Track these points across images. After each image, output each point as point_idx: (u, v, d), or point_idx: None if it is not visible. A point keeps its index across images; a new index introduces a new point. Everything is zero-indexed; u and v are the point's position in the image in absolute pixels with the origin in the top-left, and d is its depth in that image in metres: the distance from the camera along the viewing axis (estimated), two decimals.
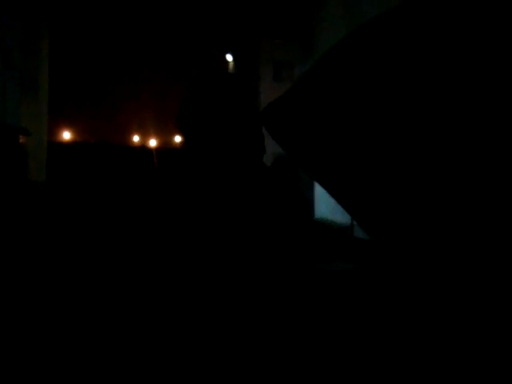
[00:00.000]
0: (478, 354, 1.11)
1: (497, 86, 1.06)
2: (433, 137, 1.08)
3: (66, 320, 4.86)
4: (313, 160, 1.14)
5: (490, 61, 1.08)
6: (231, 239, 1.43)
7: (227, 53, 29.77)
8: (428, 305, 1.15)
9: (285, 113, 1.16)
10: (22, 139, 23.36)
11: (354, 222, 12.54)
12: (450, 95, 1.08)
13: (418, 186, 1.09)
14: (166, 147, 32.48)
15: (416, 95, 1.11)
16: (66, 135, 33.32)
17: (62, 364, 3.88)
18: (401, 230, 1.11)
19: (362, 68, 1.12)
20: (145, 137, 34.94)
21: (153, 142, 34.33)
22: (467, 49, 1.09)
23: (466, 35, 1.10)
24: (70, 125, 33.64)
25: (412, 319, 1.21)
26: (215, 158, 1.47)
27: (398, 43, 1.14)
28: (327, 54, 1.16)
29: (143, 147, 33.65)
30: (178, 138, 33.65)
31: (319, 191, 14.91)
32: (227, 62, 29.70)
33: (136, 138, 35.12)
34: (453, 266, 1.09)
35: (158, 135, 34.45)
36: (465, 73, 1.08)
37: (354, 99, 1.11)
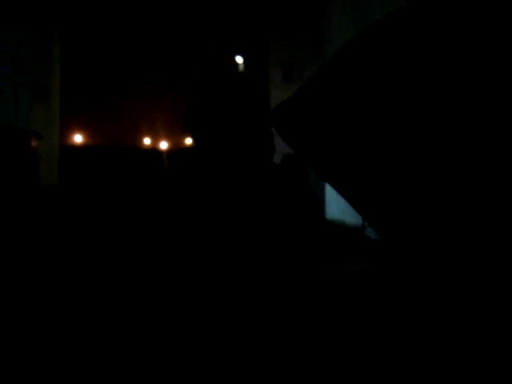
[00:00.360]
0: (481, 354, 1.11)
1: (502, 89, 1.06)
2: (443, 138, 1.08)
3: (73, 319, 4.89)
4: (322, 160, 1.15)
5: (497, 64, 1.08)
6: (241, 239, 1.43)
7: (237, 55, 29.81)
8: (438, 306, 1.15)
9: (294, 113, 1.16)
10: (33, 143, 23.54)
11: (366, 223, 12.47)
12: (461, 94, 1.08)
13: (430, 189, 1.09)
14: (176, 149, 32.44)
15: (426, 94, 1.11)
16: (78, 138, 33.51)
17: (63, 363, 3.91)
18: (411, 231, 1.11)
19: (371, 68, 1.13)
20: (156, 139, 35.05)
21: (164, 145, 34.43)
22: (475, 49, 1.09)
23: (474, 36, 1.10)
24: (81, 128, 33.84)
25: (422, 320, 1.21)
26: (224, 156, 1.47)
27: (406, 43, 1.14)
28: (336, 55, 1.17)
29: (154, 149, 33.76)
30: (188, 141, 33.70)
31: (330, 192, 14.88)
32: (237, 64, 29.75)
33: (147, 141, 35.23)
34: (462, 268, 1.09)
35: (168, 137, 34.56)
36: (473, 74, 1.08)
37: (362, 99, 1.12)
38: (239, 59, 29.36)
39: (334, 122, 1.12)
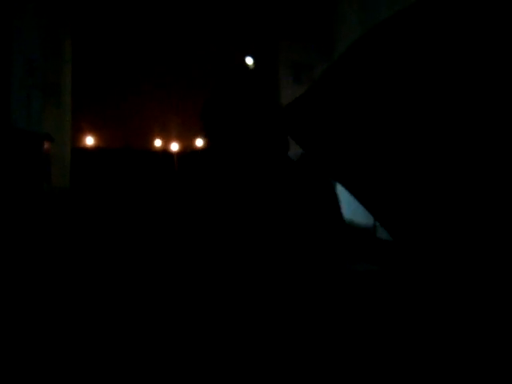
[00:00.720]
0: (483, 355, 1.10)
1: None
2: (454, 139, 1.08)
3: (76, 318, 4.91)
4: (331, 159, 1.15)
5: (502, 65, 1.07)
6: (254, 236, 1.43)
7: (247, 56, 29.82)
8: (448, 307, 1.15)
9: (302, 113, 1.16)
10: (45, 145, 23.69)
11: (377, 223, 12.44)
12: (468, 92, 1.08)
13: (442, 190, 1.09)
14: (187, 151, 32.57)
15: (434, 93, 1.11)
16: (89, 140, 33.64)
17: (64, 363, 3.92)
18: (422, 232, 1.10)
19: (376, 68, 1.13)
20: (167, 141, 35.12)
21: (175, 146, 34.50)
22: (479, 49, 1.09)
23: (477, 36, 1.09)
24: (92, 130, 33.98)
25: (430, 321, 1.21)
26: (239, 154, 1.47)
27: (412, 42, 1.14)
28: (342, 56, 1.17)
29: (165, 151, 33.83)
30: (199, 142, 33.77)
31: (340, 191, 14.81)
32: (247, 65, 29.73)
33: (158, 143, 35.31)
34: (474, 270, 1.09)
35: (179, 139, 34.62)
36: (477, 73, 1.08)
37: (368, 99, 1.11)
38: (249, 60, 29.38)
39: (340, 122, 1.12)
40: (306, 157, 1.31)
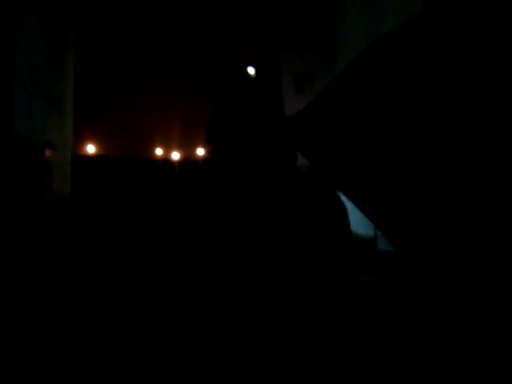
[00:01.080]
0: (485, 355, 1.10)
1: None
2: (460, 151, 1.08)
3: (76, 319, 4.89)
4: (334, 169, 1.15)
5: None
6: (258, 246, 1.43)
7: (249, 65, 29.93)
8: (453, 320, 1.14)
9: (307, 125, 1.16)
10: (47, 153, 23.72)
11: (378, 233, 12.41)
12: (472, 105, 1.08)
13: (444, 204, 1.09)
14: (188, 160, 32.65)
15: (437, 111, 1.11)
16: (91, 149, 33.70)
17: (64, 363, 3.91)
18: (425, 242, 1.10)
19: (382, 81, 1.13)
20: (168, 150, 35.19)
21: (176, 155, 34.55)
22: (484, 62, 1.09)
23: (481, 49, 1.09)
24: (94, 138, 34.05)
25: (432, 333, 1.20)
26: (246, 165, 1.47)
27: (417, 56, 1.15)
28: (349, 66, 1.17)
29: (166, 160, 33.87)
30: (200, 152, 33.81)
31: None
32: (251, 76, 29.81)
33: (159, 151, 35.37)
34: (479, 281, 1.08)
35: (180, 148, 34.69)
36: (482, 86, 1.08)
37: (372, 111, 1.12)
38: (251, 70, 29.48)
39: (343, 134, 1.12)
40: (314, 168, 1.31)
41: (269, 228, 1.43)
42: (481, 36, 1.10)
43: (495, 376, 1.10)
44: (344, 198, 1.28)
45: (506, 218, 1.07)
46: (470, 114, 1.09)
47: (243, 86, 1.55)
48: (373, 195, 1.13)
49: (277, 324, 1.40)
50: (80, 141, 32.82)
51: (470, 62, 1.10)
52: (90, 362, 4.02)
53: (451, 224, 1.10)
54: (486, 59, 1.09)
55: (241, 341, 1.39)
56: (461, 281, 1.12)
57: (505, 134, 1.07)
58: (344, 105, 1.14)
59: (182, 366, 1.43)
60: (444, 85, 1.11)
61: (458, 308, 1.13)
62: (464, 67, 1.10)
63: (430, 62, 1.13)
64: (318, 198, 1.48)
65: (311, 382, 1.41)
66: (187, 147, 34.21)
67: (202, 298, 1.42)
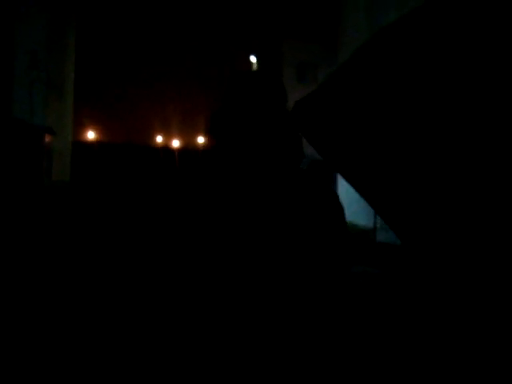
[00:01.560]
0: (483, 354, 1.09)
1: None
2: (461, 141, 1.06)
3: (73, 317, 4.89)
4: (340, 157, 1.13)
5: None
6: (257, 242, 1.41)
7: (251, 54, 29.83)
8: (448, 309, 1.13)
9: (312, 111, 1.14)
10: (47, 139, 23.67)
11: (377, 225, 12.44)
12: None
13: (443, 191, 1.07)
14: (188, 148, 32.65)
15: (443, 96, 1.09)
16: (91, 135, 33.65)
17: (62, 363, 3.90)
18: (426, 230, 1.08)
19: (387, 69, 1.11)
20: (168, 137, 35.14)
21: (176, 143, 34.50)
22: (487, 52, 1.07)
23: (485, 39, 1.08)
24: (94, 124, 34.01)
25: (430, 325, 1.19)
26: (250, 161, 1.45)
27: (421, 45, 1.13)
28: (352, 57, 1.16)
29: (166, 147, 33.85)
30: (200, 139, 33.79)
31: (340, 193, 14.84)
32: (251, 64, 29.76)
33: (159, 139, 35.32)
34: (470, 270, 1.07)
35: (180, 136, 34.64)
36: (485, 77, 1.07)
37: (376, 99, 1.10)
38: (253, 59, 29.38)
39: (348, 120, 1.11)
40: (314, 166, 1.30)
41: (267, 222, 1.42)
42: (483, 26, 1.09)
43: (495, 372, 1.09)
44: (344, 190, 1.26)
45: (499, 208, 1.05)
46: (471, 104, 1.07)
47: (246, 81, 1.53)
48: (376, 182, 1.12)
49: (274, 315, 1.38)
50: (80, 127, 32.78)
51: (473, 51, 1.08)
52: (85, 357, 4.02)
53: (455, 213, 1.08)
54: (488, 50, 1.08)
55: (235, 331, 1.38)
56: (463, 273, 1.10)
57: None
58: (349, 93, 1.12)
59: (181, 363, 1.41)
60: (446, 75, 1.10)
61: (457, 299, 1.12)
62: (466, 56, 1.08)
63: (432, 52, 1.11)
64: (315, 194, 1.47)
65: (308, 374, 1.40)
66: (187, 135, 34.18)
67: (198, 286, 1.40)
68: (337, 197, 1.50)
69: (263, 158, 1.43)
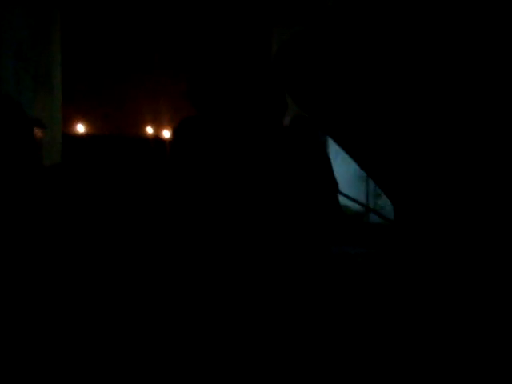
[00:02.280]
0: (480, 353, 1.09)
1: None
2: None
3: (72, 315, 4.88)
4: (325, 114, 1.12)
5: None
6: (244, 205, 1.40)
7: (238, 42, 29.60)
8: (442, 296, 1.13)
9: (294, 66, 1.14)
10: (36, 132, 23.44)
11: (370, 204, 12.47)
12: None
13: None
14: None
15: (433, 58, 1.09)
16: (80, 128, 33.43)
17: (61, 363, 3.91)
18: (414, 190, 1.09)
19: (376, 17, 1.10)
20: (158, 128, 34.98)
21: (166, 133, 34.34)
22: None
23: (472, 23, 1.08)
24: (83, 117, 33.81)
25: (421, 311, 1.19)
26: (230, 120, 1.44)
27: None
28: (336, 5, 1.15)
29: (157, 138, 33.71)
30: None
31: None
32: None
33: (150, 130, 35.16)
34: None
35: (171, 126, 34.42)
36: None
37: (366, 51, 1.09)
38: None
39: (334, 75, 1.10)
40: (297, 122, 1.27)
41: (252, 183, 1.41)
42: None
43: (493, 361, 1.09)
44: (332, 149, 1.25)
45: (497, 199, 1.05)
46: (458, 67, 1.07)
47: (224, 46, 1.51)
48: (363, 140, 1.12)
49: (257, 289, 1.38)
50: (69, 120, 32.56)
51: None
52: (81, 355, 4.02)
53: (442, 175, 1.07)
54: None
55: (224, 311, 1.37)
56: (455, 244, 1.10)
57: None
58: (333, 45, 1.11)
59: (180, 362, 1.41)
60: (442, 36, 1.09)
61: (449, 278, 1.12)
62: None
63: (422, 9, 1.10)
64: (298, 152, 1.47)
65: (298, 353, 1.40)
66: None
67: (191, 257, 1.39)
68: (322, 151, 1.49)
69: (244, 113, 1.42)
